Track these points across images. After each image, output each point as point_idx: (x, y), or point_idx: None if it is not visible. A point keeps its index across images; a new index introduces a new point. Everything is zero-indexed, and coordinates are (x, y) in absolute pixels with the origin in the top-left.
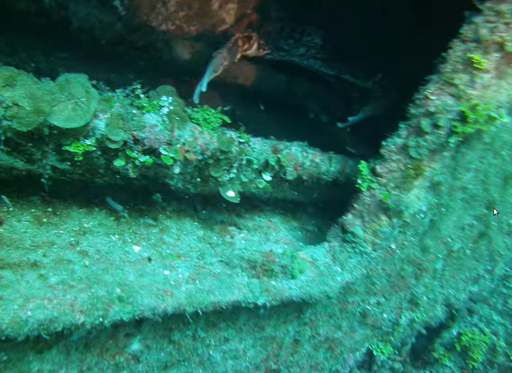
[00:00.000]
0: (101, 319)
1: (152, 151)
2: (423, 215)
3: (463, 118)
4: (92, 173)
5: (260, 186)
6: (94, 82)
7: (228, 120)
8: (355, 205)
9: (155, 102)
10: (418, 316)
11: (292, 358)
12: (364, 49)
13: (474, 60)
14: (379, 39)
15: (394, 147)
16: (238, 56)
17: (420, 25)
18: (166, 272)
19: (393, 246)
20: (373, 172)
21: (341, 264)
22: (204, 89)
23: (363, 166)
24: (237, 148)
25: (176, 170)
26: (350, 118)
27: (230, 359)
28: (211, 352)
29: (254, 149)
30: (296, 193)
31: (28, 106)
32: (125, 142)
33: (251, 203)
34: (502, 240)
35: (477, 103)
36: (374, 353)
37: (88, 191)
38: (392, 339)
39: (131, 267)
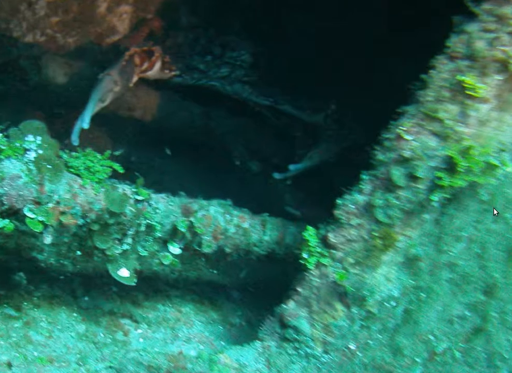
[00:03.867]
0: None
1: (13, 213)
2: (394, 303)
3: (450, 166)
4: None
5: (166, 262)
6: None
7: (120, 169)
8: (299, 289)
9: (17, 144)
10: None
11: None
12: (312, 69)
13: (466, 85)
14: (334, 54)
15: (353, 207)
16: (135, 79)
17: (393, 35)
18: None
19: (352, 346)
20: (325, 242)
21: (280, 372)
22: (86, 126)
23: (310, 233)
24: (133, 209)
25: (48, 239)
26: (291, 167)
27: None
28: None
29: (157, 211)
30: (216, 272)
31: None
32: None
33: (153, 286)
34: (506, 338)
35: (471, 146)
36: None
37: None
38: None
39: None
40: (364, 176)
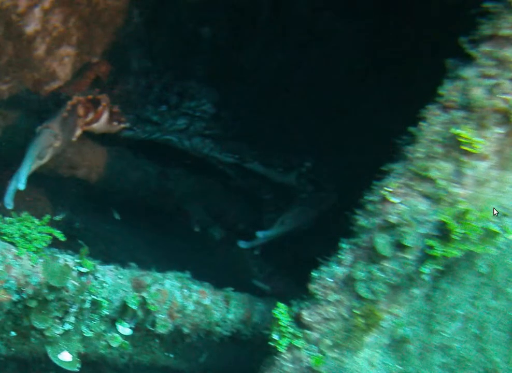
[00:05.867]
0: None
1: None
2: None
3: (443, 233)
4: None
5: (114, 344)
6: None
7: (61, 237)
8: None
9: None
10: None
11: None
12: (284, 121)
13: (462, 140)
14: (311, 105)
15: (331, 281)
16: (78, 132)
17: (378, 85)
18: None
19: None
20: (298, 321)
21: None
22: (22, 187)
23: (281, 311)
24: (76, 283)
25: None
26: (259, 234)
27: None
28: None
29: (104, 285)
30: (172, 355)
31: None
32: None
33: (99, 372)
34: None
35: (467, 210)
36: None
37: None
38: None
39: None
40: (344, 245)
